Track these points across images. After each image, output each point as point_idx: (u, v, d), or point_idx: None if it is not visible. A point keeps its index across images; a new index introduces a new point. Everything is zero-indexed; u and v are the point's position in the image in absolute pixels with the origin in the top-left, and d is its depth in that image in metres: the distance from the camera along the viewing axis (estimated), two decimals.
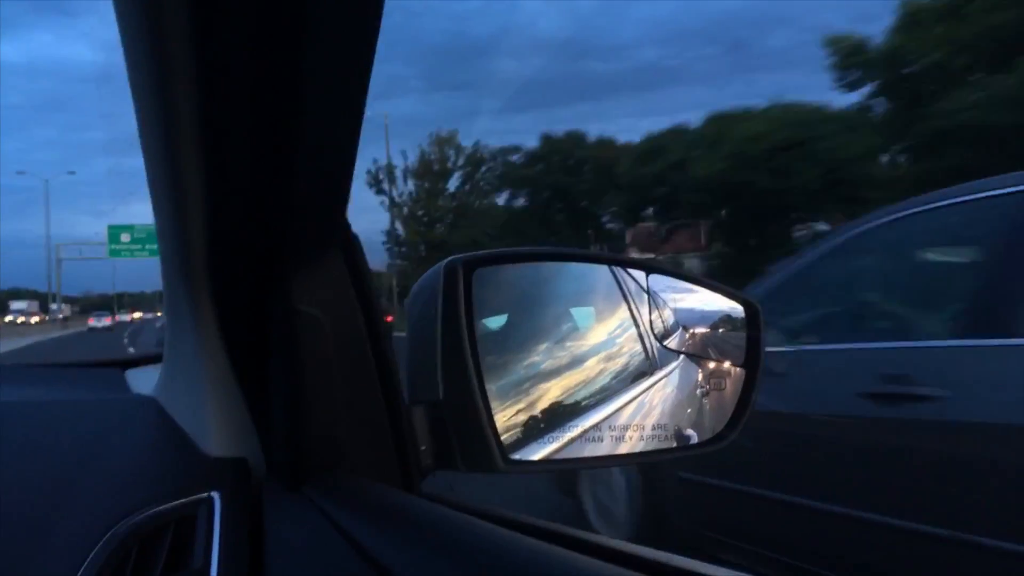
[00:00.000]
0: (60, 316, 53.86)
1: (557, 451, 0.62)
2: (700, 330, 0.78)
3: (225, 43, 0.45)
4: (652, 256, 26.99)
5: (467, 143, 37.68)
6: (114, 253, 38.56)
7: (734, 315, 0.77)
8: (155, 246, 0.78)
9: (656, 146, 27.93)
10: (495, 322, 0.65)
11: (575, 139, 36.26)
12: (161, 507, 0.62)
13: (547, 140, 36.51)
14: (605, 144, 35.42)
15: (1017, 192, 2.20)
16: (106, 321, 46.82)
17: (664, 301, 0.76)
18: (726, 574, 0.44)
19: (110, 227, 38.12)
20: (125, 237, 37.62)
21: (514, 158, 37.56)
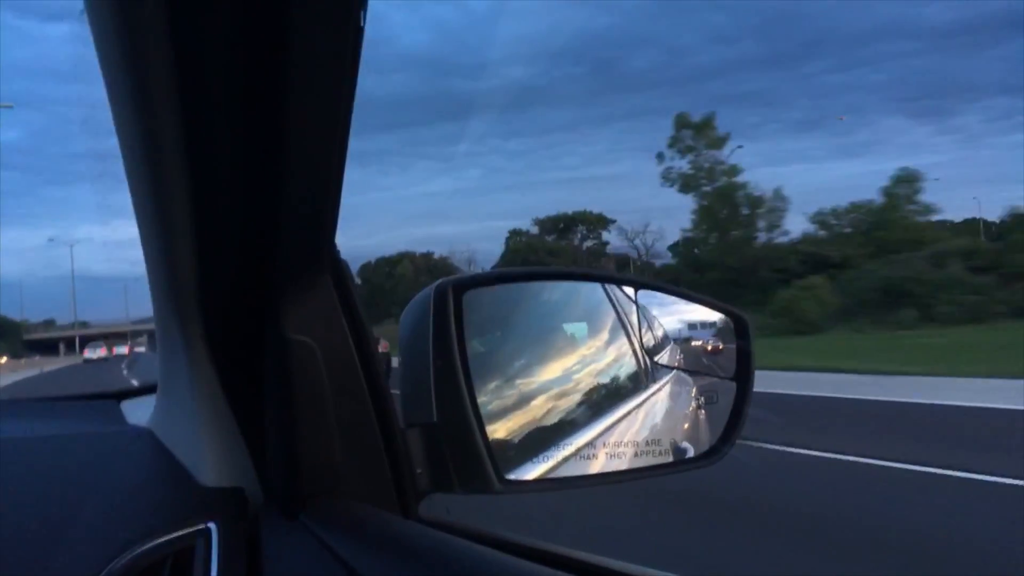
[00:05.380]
0: None
1: (552, 470, 0.62)
2: (692, 344, 0.78)
3: (208, 70, 0.46)
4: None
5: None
6: None
7: (725, 328, 0.78)
8: None
9: None
10: (487, 343, 0.65)
11: None
12: (159, 539, 0.61)
13: None
14: None
15: None
16: (100, 352, 47.35)
17: (655, 316, 0.76)
18: None
19: None
20: None
21: None
